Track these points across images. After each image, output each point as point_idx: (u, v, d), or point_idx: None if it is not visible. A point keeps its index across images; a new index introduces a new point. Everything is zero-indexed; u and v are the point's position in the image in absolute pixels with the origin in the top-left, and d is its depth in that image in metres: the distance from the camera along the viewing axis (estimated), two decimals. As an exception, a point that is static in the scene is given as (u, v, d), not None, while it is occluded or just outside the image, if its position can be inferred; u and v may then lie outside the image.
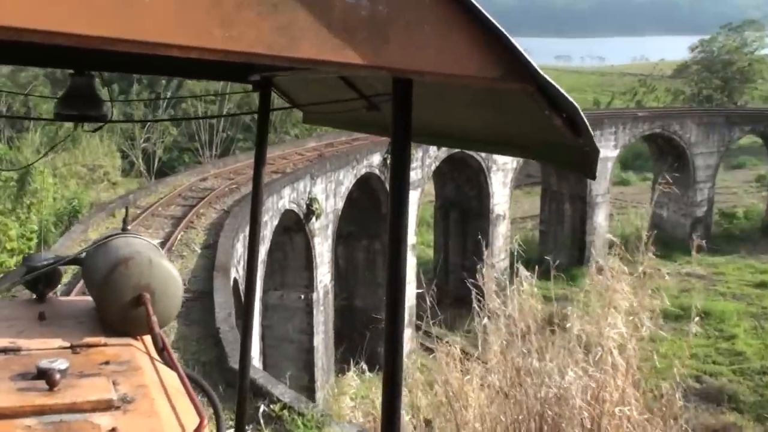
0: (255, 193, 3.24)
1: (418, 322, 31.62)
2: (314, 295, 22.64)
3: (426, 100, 2.00)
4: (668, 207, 38.38)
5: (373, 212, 27.45)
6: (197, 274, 12.65)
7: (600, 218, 35.65)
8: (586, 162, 1.79)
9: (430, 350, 31.65)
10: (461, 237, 33.06)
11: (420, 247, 32.05)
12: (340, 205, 24.06)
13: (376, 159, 25.84)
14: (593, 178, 1.81)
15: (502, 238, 32.67)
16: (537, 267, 33.84)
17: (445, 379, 8.90)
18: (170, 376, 2.15)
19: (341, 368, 27.51)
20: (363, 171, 25.09)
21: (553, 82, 1.53)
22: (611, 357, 11.66)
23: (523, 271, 10.18)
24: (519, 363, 9.48)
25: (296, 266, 22.53)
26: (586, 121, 1.62)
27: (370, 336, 29.33)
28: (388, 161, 23.78)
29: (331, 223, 23.37)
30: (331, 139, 28.44)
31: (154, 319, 2.29)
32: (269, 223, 18.91)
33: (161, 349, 2.25)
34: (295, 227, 21.67)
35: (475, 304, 10.69)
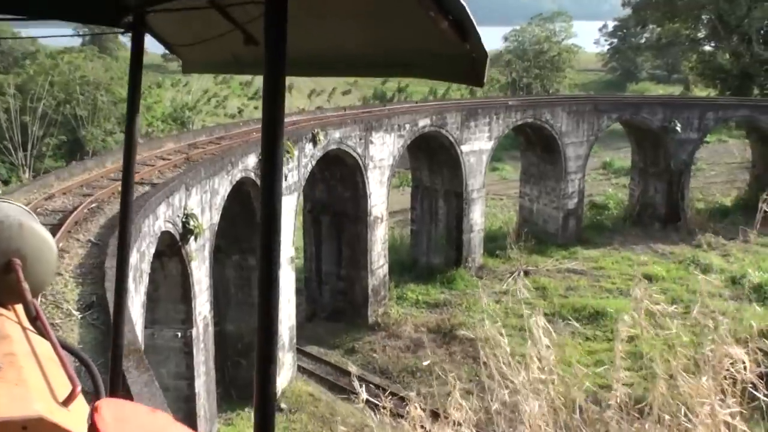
0: (126, 168, 2.74)
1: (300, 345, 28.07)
2: (193, 332, 18.44)
3: (301, 21, 1.84)
4: (539, 200, 37.10)
5: (246, 223, 23.45)
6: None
7: (476, 215, 33.58)
8: (474, 70, 1.62)
9: (309, 373, 28.17)
10: (335, 243, 29.71)
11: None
12: (217, 218, 19.94)
13: (252, 161, 21.88)
14: (481, 85, 1.64)
15: (380, 243, 29.68)
16: (410, 270, 30.46)
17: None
18: (44, 346, 2.04)
19: (223, 408, 23.40)
20: (239, 176, 21.05)
21: None
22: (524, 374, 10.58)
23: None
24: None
25: (170, 298, 18.22)
26: (474, 22, 1.49)
27: (246, 365, 25.40)
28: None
29: (207, 242, 19.22)
30: (191, 139, 24.01)
31: (26, 286, 2.18)
32: (146, 252, 14.62)
33: (34, 318, 2.13)
34: (168, 251, 17.38)
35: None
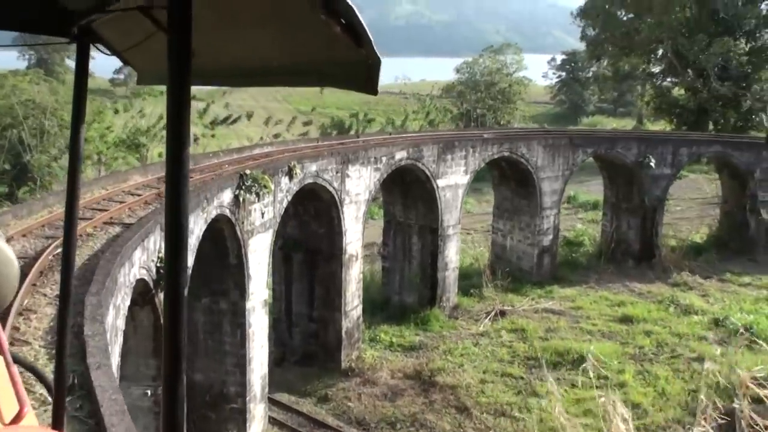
0: (71, 187, 2.64)
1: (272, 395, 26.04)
2: (164, 389, 16.37)
3: (211, 30, 1.82)
4: (512, 236, 35.89)
5: (217, 263, 21.55)
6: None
7: (451, 252, 32.15)
8: (369, 77, 1.62)
9: (280, 424, 26.14)
10: (307, 282, 27.92)
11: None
12: (191, 261, 18.03)
13: (227, 196, 20.04)
14: (375, 93, 1.62)
15: (354, 282, 27.98)
16: (382, 310, 28.63)
17: None
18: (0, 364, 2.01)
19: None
20: (214, 213, 19.20)
21: None
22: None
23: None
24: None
25: (140, 352, 16.24)
26: (366, 28, 1.51)
27: (216, 419, 23.30)
28: (240, 197, 18.17)
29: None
30: (158, 172, 22.01)
31: None
32: (122, 306, 12.69)
33: None
34: (140, 300, 15.43)
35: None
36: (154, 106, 57.33)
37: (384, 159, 28.27)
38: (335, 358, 27.71)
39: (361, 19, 1.49)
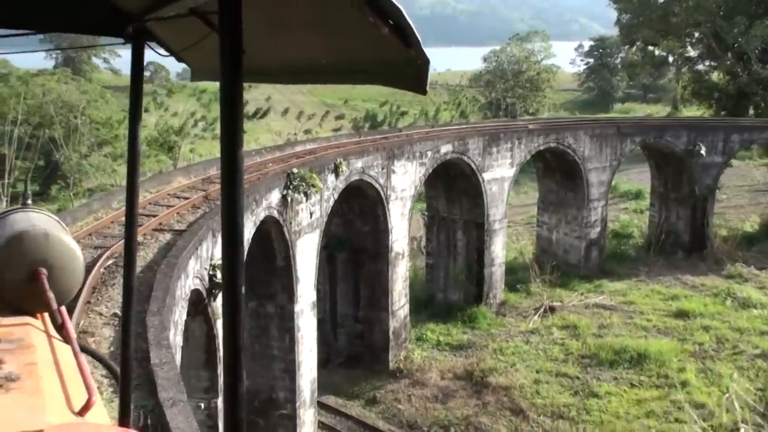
0: (130, 179, 2.76)
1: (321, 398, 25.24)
2: (219, 401, 15.63)
3: (262, 31, 1.93)
4: (558, 229, 34.72)
5: (264, 265, 20.72)
6: None
7: (498, 247, 31.08)
8: (418, 77, 1.65)
9: (329, 428, 25.33)
10: (352, 282, 27.05)
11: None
12: (242, 266, 17.14)
13: (275, 197, 19.17)
14: (424, 93, 1.66)
15: (401, 281, 27.07)
16: (426, 307, 27.39)
17: None
18: (68, 354, 2.08)
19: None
20: (263, 215, 18.34)
21: None
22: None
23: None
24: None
25: (192, 364, 15.40)
26: (414, 28, 1.53)
27: (264, 425, 22.52)
28: (288, 197, 17.27)
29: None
30: (202, 172, 21.17)
31: (51, 295, 2.24)
32: (179, 321, 11.85)
33: (60, 326, 2.20)
34: (192, 310, 14.57)
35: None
36: (185, 103, 56.70)
37: (429, 153, 27.27)
38: (382, 359, 26.83)
39: (408, 20, 1.51)
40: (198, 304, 14.64)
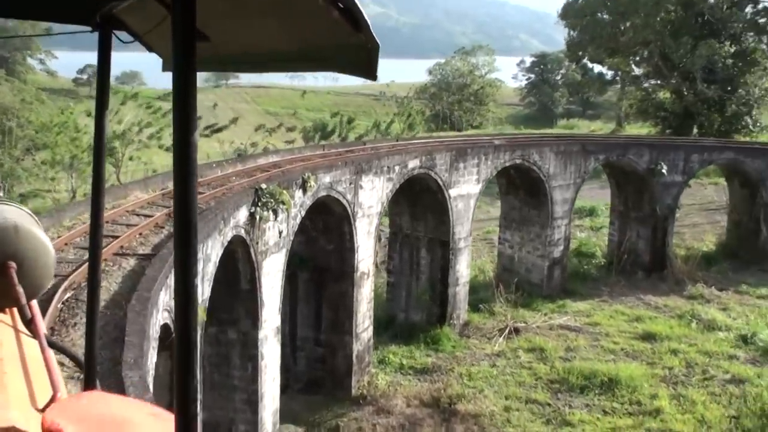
0: (96, 176, 2.68)
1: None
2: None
3: (217, 18, 1.84)
4: (521, 247, 33.90)
5: (227, 289, 19.13)
6: None
7: (462, 266, 30.05)
8: (368, 62, 1.65)
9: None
10: (314, 303, 25.62)
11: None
12: (209, 291, 15.64)
13: (243, 214, 17.67)
14: (375, 78, 1.66)
15: (366, 302, 25.76)
16: (386, 328, 26.00)
17: None
18: (36, 350, 2.06)
19: None
20: (230, 235, 16.82)
21: None
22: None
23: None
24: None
25: (155, 401, 13.70)
26: (363, 12, 1.52)
27: (222, 463, 20.82)
28: (257, 215, 15.90)
29: (199, 326, 14.88)
30: (159, 186, 19.46)
31: (20, 290, 2.22)
32: (151, 364, 10.29)
33: (29, 321, 2.18)
34: (158, 346, 12.98)
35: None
36: (133, 111, 54.31)
37: (397, 168, 26.07)
38: (345, 385, 25.43)
39: (358, 3, 1.49)
40: (164, 340, 13.05)
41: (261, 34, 1.93)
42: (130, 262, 12.36)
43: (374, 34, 1.56)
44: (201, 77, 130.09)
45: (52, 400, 1.74)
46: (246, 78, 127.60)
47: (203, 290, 14.97)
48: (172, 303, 12.61)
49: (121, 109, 53.01)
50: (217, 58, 2.13)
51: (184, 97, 1.56)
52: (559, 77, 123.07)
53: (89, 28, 2.57)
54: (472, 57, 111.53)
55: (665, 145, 36.53)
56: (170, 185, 19.95)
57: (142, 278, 10.94)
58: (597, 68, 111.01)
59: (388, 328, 30.49)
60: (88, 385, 2.64)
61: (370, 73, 1.63)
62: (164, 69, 2.84)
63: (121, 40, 2.64)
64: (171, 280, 12.12)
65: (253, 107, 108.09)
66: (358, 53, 1.61)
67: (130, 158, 47.53)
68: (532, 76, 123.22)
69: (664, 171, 34.75)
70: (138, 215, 15.50)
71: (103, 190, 2.70)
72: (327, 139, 63.22)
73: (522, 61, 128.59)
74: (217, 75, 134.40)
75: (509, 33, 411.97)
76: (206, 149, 59.09)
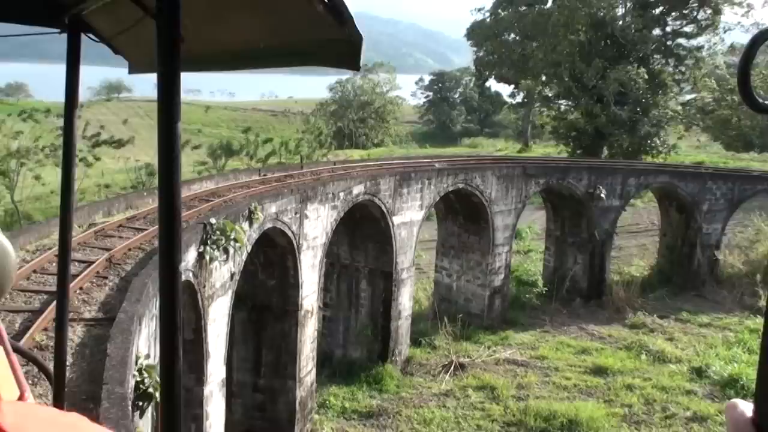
0: (65, 186, 2.59)
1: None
2: None
3: (194, 11, 1.74)
4: (459, 276, 32.11)
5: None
6: None
7: (405, 298, 27.95)
8: (351, 55, 1.60)
9: None
10: (252, 345, 22.89)
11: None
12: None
13: (192, 256, 14.92)
14: (357, 69, 1.60)
15: (309, 343, 23.23)
16: (323, 366, 23.29)
17: None
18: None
19: None
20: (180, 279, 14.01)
21: None
22: None
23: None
24: None
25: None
26: (347, 5, 1.51)
27: None
28: (206, 255, 13.33)
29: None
30: (85, 220, 16.35)
31: None
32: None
33: None
34: None
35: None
36: (35, 129, 49.44)
37: (342, 195, 23.73)
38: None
39: None
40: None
41: (240, 31, 1.89)
42: (78, 331, 9.54)
43: (357, 27, 1.54)
44: (91, 91, 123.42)
45: (20, 399, 1.69)
46: (140, 91, 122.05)
47: (149, 347, 12.17)
48: (131, 381, 9.87)
49: (14, 124, 48.22)
50: (197, 58, 2.01)
51: (169, 99, 1.53)
52: (457, 95, 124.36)
53: (57, 30, 2.51)
54: (374, 74, 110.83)
55: (603, 169, 35.70)
56: (96, 217, 16.93)
57: (106, 360, 8.19)
58: (494, 87, 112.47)
59: (324, 365, 27.94)
60: (56, 402, 2.60)
61: (354, 64, 1.60)
62: (131, 71, 2.80)
63: (93, 40, 2.57)
64: (131, 352, 9.41)
65: (147, 122, 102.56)
66: (342, 46, 1.58)
67: (35, 177, 42.75)
68: (431, 94, 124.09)
69: (603, 195, 33.82)
70: (78, 261, 12.52)
71: (73, 199, 2.65)
72: (233, 156, 60.05)
73: (421, 79, 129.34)
74: (108, 88, 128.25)
75: (404, 51, 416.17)
76: (105, 167, 54.78)
